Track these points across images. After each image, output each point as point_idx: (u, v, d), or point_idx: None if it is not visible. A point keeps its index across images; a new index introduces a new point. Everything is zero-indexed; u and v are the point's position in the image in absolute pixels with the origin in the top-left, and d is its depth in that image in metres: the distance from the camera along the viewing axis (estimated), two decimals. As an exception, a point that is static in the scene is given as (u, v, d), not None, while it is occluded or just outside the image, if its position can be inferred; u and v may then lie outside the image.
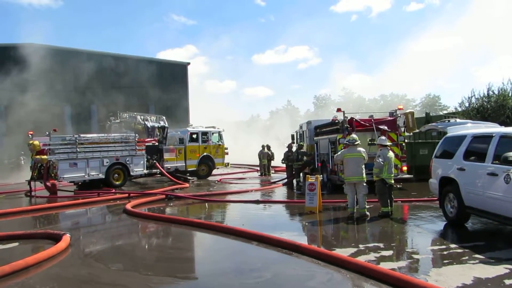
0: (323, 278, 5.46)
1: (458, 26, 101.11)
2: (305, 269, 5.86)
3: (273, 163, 23.55)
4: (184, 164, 20.94)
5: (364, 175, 9.51)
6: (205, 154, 21.73)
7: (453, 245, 6.78)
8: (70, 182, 16.99)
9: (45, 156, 15.81)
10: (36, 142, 16.01)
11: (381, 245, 6.97)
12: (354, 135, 10.21)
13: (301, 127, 19.91)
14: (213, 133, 22.42)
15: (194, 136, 21.59)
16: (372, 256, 6.27)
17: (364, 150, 9.77)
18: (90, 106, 33.83)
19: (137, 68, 36.32)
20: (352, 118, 13.56)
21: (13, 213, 11.74)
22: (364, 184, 9.48)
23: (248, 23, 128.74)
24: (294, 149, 17.83)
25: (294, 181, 17.53)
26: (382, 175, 9.43)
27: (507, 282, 4.97)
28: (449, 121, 20.51)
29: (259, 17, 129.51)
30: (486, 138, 7.43)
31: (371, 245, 7.01)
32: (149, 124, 20.58)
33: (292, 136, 20.55)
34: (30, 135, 16.66)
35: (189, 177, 20.44)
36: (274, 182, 18.06)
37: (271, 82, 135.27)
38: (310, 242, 7.84)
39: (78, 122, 31.71)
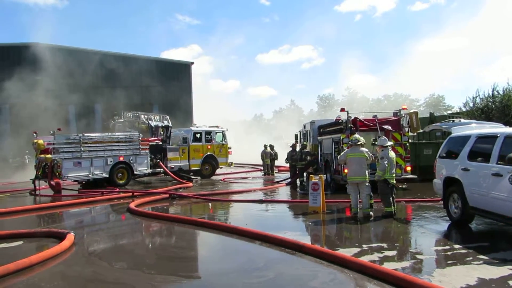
0: (326, 278, 5.45)
1: (463, 26, 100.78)
2: (308, 269, 5.85)
3: (276, 163, 23.55)
4: (187, 164, 20.97)
5: (367, 175, 9.48)
6: (208, 153, 21.76)
7: (457, 246, 6.75)
8: (74, 181, 17.07)
9: (49, 155, 15.88)
10: (41, 141, 16.09)
11: (385, 245, 6.96)
12: (357, 135, 10.17)
13: (304, 126, 19.89)
14: (216, 133, 22.44)
15: (198, 135, 21.63)
16: (375, 256, 6.26)
17: (367, 150, 9.73)
18: (94, 105, 33.95)
19: (141, 67, 36.43)
20: (355, 118, 13.52)
21: (17, 212, 11.78)
22: (367, 184, 9.43)
23: (252, 23, 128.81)
24: (298, 149, 17.83)
25: (298, 180, 17.55)
26: (384, 175, 9.41)
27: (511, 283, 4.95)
28: (453, 121, 20.43)
29: (263, 17, 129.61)
30: (490, 139, 7.39)
31: (374, 245, 7.00)
32: (153, 123, 20.62)
33: (296, 136, 20.53)
34: (34, 134, 16.73)
35: (192, 177, 20.47)
36: (278, 182, 18.06)
37: (275, 82, 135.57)
38: (314, 242, 7.83)
39: (82, 121, 31.80)
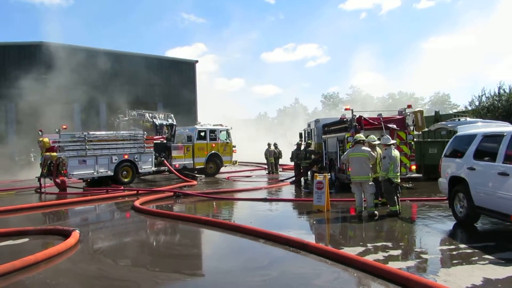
0: (330, 276, 5.44)
1: (469, 24, 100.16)
2: (312, 267, 5.84)
3: (280, 161, 23.53)
4: (192, 162, 21.00)
5: (369, 174, 9.45)
6: (213, 152, 21.79)
7: (462, 245, 6.71)
8: (79, 179, 17.16)
9: (54, 153, 15.97)
10: (46, 139, 16.18)
11: (390, 244, 6.93)
12: (359, 134, 10.16)
13: (309, 125, 19.85)
14: (221, 131, 22.46)
15: (202, 134, 21.65)
16: (380, 255, 6.24)
17: (369, 149, 9.68)
18: (99, 103, 34.06)
19: (145, 66, 36.51)
20: (360, 117, 13.46)
21: (23, 209, 11.87)
22: (371, 183, 9.41)
23: (257, 21, 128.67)
24: (302, 147, 17.81)
25: (302, 179, 17.52)
26: (388, 174, 9.38)
27: (518, 283, 4.92)
28: (459, 119, 20.30)
29: (268, 15, 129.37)
30: (497, 138, 7.33)
31: (379, 244, 6.97)
32: (158, 121, 20.66)
33: (300, 135, 20.50)
34: (40, 132, 16.83)
35: (197, 175, 20.49)
36: (282, 180, 18.05)
37: (280, 80, 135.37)
38: (318, 240, 7.83)
39: (87, 120, 31.95)
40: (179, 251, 7.33)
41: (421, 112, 14.13)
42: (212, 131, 22.07)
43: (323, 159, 16.81)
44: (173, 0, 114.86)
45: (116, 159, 17.32)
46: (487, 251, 6.21)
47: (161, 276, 5.72)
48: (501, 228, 8.05)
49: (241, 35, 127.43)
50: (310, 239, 7.47)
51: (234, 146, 22.95)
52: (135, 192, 14.66)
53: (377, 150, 10.07)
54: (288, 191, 15.15)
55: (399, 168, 9.57)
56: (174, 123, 21.07)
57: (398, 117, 13.96)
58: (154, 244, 8.13)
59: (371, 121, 13.54)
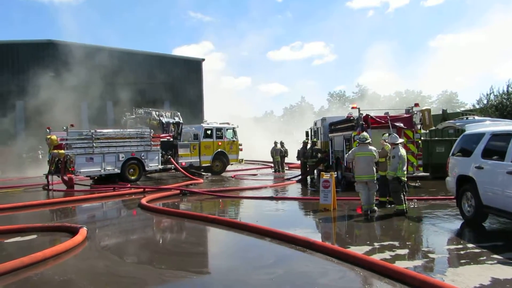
0: (335, 275, 5.44)
1: (478, 22, 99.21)
2: (318, 266, 5.83)
3: (286, 160, 23.49)
4: (198, 160, 21.04)
5: (375, 173, 9.54)
6: (219, 150, 21.81)
7: (470, 245, 6.66)
8: (87, 176, 17.24)
9: (62, 151, 16.07)
10: (54, 137, 16.28)
11: (396, 243, 6.89)
12: (365, 133, 10.13)
13: (315, 123, 19.80)
14: (227, 129, 22.48)
15: (209, 132, 21.67)
16: (387, 254, 6.21)
17: (375, 149, 9.75)
18: (106, 101, 34.21)
19: (152, 64, 36.63)
20: (367, 115, 13.40)
21: (31, 206, 11.97)
22: (375, 182, 9.55)
23: (264, 19, 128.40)
24: (309, 146, 17.78)
25: (308, 178, 17.49)
26: (397, 173, 9.35)
27: (526, 283, 4.87)
28: (467, 118, 20.15)
29: (275, 14, 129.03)
30: (505, 136, 7.27)
31: (386, 243, 6.94)
32: (164, 119, 20.72)
33: (307, 133, 20.46)
34: (48, 130, 16.95)
35: (203, 173, 20.53)
36: (288, 179, 18.03)
37: (286, 78, 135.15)
38: (324, 239, 7.82)
39: (94, 118, 32.11)
40: (185, 248, 7.35)
41: (429, 110, 14.04)
42: (219, 129, 22.09)
43: (330, 158, 16.76)
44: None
45: (123, 157, 17.40)
46: (495, 251, 6.16)
47: (167, 274, 5.75)
48: (509, 227, 7.99)
49: (248, 33, 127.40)
50: (317, 237, 7.45)
51: (241, 145, 22.96)
52: (142, 189, 14.72)
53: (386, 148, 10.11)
54: (294, 189, 15.14)
55: (406, 166, 9.54)
56: (181, 121, 21.11)
57: (405, 115, 13.88)
58: (161, 241, 8.16)
59: (378, 119, 13.47)
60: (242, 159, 23.34)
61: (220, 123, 22.79)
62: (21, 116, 32.86)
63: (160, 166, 18.92)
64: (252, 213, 10.60)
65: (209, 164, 21.45)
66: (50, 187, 16.19)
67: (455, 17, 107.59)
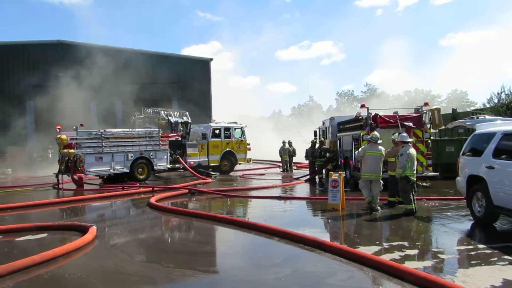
0: (343, 275, 5.41)
1: (489, 19, 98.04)
2: (326, 266, 5.81)
3: (295, 159, 23.45)
4: (206, 159, 21.10)
5: (381, 173, 9.68)
6: (227, 149, 21.85)
7: (481, 246, 6.59)
8: (96, 175, 17.37)
9: (72, 150, 16.20)
10: (64, 136, 16.42)
11: (406, 243, 6.84)
12: (376, 133, 10.24)
13: (323, 123, 19.74)
14: (235, 129, 22.50)
15: (217, 131, 21.72)
16: (396, 254, 6.17)
17: (384, 148, 9.94)
18: (115, 101, 34.45)
19: (161, 64, 36.79)
20: (376, 115, 13.32)
21: (41, 205, 12.08)
22: (380, 181, 9.66)
23: (273, 19, 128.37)
24: (317, 145, 17.73)
25: (317, 177, 17.44)
26: (405, 172, 9.29)
27: (538, 284, 4.80)
28: (477, 117, 19.94)
29: (284, 13, 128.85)
30: (517, 136, 7.18)
31: (395, 243, 6.89)
32: (173, 119, 20.80)
33: (315, 132, 20.39)
34: (57, 130, 17.09)
35: (211, 172, 20.59)
36: (297, 179, 17.99)
37: (294, 78, 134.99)
38: (333, 239, 7.79)
39: (103, 117, 32.33)
40: (193, 248, 7.37)
41: (438, 109, 13.92)
42: (227, 129, 22.13)
43: (338, 157, 16.69)
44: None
45: (132, 156, 17.50)
46: (506, 252, 6.08)
47: (175, 272, 5.77)
48: (521, 228, 7.89)
49: (256, 33, 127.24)
50: (325, 237, 7.42)
51: (249, 144, 22.97)
52: (151, 189, 14.80)
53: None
54: (302, 189, 15.10)
55: (416, 166, 9.49)
56: (189, 120, 21.18)
57: (414, 115, 13.77)
58: (169, 240, 8.19)
59: (387, 119, 13.38)
60: (250, 159, 23.36)
61: (228, 123, 22.83)
62: (32, 116, 33.23)
63: (169, 166, 19.00)
64: (261, 213, 10.58)
65: (218, 164, 21.50)
66: (60, 186, 16.34)
67: (465, 15, 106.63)
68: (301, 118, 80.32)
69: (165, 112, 21.50)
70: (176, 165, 19.61)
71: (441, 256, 6.21)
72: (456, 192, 9.96)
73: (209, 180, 17.80)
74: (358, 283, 5.19)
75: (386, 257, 5.88)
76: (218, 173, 21.13)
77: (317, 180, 17.18)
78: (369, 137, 10.29)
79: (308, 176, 17.63)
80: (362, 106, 13.52)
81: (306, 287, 5.01)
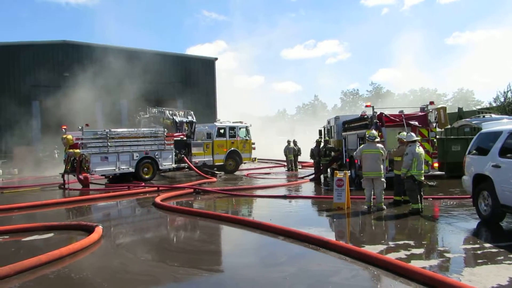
0: (348, 274, 5.41)
1: (495, 18, 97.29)
2: (331, 264, 5.81)
3: (300, 159, 23.42)
4: (211, 159, 21.13)
5: (382, 171, 9.69)
6: (232, 149, 21.86)
7: (487, 245, 6.55)
8: (102, 175, 17.45)
9: (78, 150, 16.27)
10: (70, 136, 16.50)
11: (412, 242, 6.81)
12: (373, 131, 10.37)
13: (329, 122, 19.70)
14: (240, 128, 22.51)
15: (222, 131, 21.74)
16: (402, 253, 6.15)
17: (382, 146, 9.98)
18: (120, 101, 34.57)
19: (166, 63, 36.87)
20: (381, 113, 13.27)
21: (48, 205, 12.15)
22: (382, 179, 9.66)
23: (278, 18, 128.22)
24: (322, 144, 17.70)
25: (322, 176, 17.41)
26: (411, 171, 9.26)
27: (546, 284, 4.77)
28: (483, 116, 19.80)
29: (289, 12, 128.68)
30: (524, 134, 7.13)
31: (401, 242, 6.86)
32: (178, 119, 20.83)
33: (320, 132, 20.35)
34: (63, 130, 17.17)
35: (216, 172, 20.61)
36: (302, 178, 17.98)
37: (300, 77, 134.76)
38: (338, 238, 7.77)
39: (108, 117, 32.47)
40: (198, 247, 7.39)
41: (444, 108, 13.84)
42: (232, 128, 22.14)
43: (343, 157, 16.66)
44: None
45: (137, 156, 17.56)
46: (513, 251, 6.04)
47: (181, 271, 5.80)
48: (528, 227, 7.83)
49: (261, 32, 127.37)
50: (330, 236, 7.42)
51: (254, 143, 22.97)
52: (156, 188, 14.85)
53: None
54: (308, 188, 15.09)
55: (423, 165, 9.44)
56: (194, 120, 21.20)
57: (420, 113, 13.70)
58: (174, 240, 8.22)
59: (392, 118, 13.32)
60: (255, 158, 23.35)
61: (233, 122, 22.83)
62: (37, 116, 33.39)
63: (174, 165, 19.04)
64: (266, 212, 10.59)
65: (222, 163, 21.52)
66: (66, 186, 16.42)
67: (472, 14, 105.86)
68: (306, 117, 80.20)
69: (170, 112, 21.53)
70: (181, 164, 19.65)
71: (447, 255, 6.19)
72: (462, 191, 9.90)
73: (214, 179, 17.83)
74: (363, 282, 5.18)
75: (391, 256, 5.86)
76: (223, 173, 21.15)
77: (322, 179, 17.15)
78: (366, 136, 10.32)
79: (313, 175, 17.60)
80: (368, 105, 13.47)
81: (311, 286, 5.01)
